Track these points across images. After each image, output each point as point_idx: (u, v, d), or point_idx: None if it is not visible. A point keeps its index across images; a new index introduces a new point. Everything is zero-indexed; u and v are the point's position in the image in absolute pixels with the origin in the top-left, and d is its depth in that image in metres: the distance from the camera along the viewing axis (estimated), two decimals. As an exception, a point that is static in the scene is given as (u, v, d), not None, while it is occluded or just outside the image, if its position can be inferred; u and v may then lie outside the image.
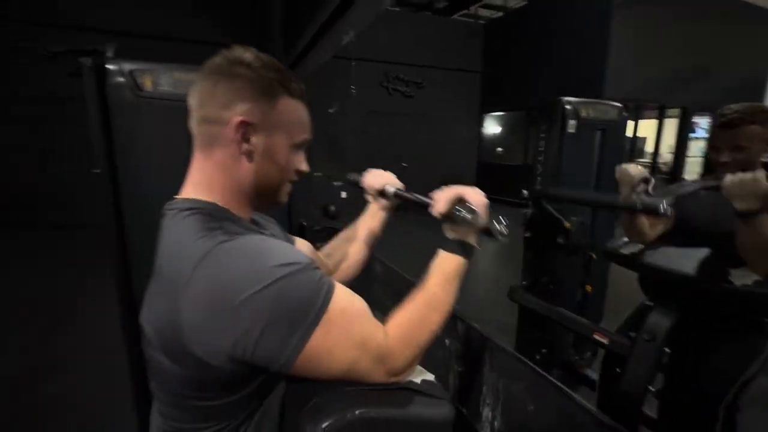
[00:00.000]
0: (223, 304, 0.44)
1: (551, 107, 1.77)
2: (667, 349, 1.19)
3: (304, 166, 0.62)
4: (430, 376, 0.68)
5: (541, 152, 1.79)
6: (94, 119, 1.05)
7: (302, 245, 0.79)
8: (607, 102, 1.87)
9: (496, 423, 1.12)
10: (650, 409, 1.37)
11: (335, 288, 0.50)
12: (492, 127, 8.70)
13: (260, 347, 0.45)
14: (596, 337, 1.38)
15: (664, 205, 1.03)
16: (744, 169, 0.91)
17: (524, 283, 1.95)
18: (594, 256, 1.89)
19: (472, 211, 0.62)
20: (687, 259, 1.16)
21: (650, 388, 1.23)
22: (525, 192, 1.89)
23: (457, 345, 1.17)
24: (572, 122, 1.73)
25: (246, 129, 0.53)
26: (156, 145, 1.12)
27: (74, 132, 5.83)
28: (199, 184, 0.57)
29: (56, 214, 5.86)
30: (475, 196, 0.65)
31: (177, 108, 1.09)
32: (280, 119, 0.56)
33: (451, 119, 8.57)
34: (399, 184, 0.84)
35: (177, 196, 0.58)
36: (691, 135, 7.04)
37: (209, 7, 6.44)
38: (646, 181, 1.18)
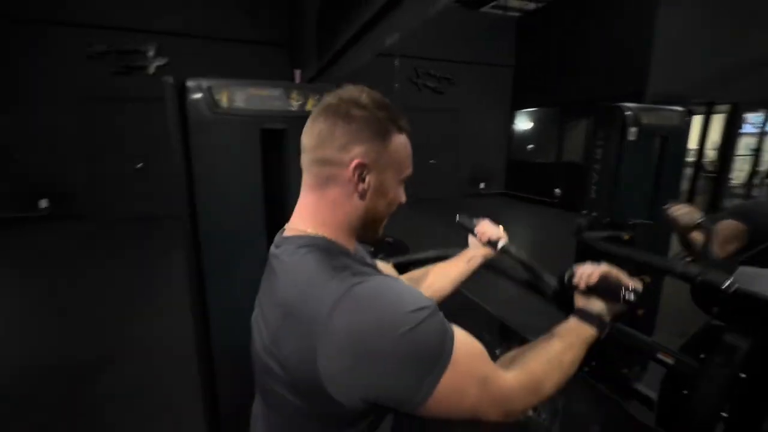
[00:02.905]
0: (363, 350, 0.46)
1: (609, 113, 1.71)
2: (743, 375, 1.14)
3: (403, 199, 0.64)
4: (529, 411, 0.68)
5: (597, 161, 1.73)
6: (174, 133, 1.09)
7: (386, 269, 0.80)
8: (669, 108, 1.79)
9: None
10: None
11: (455, 330, 0.51)
12: (524, 123, 8.47)
13: (394, 391, 0.47)
14: (660, 356, 1.33)
15: (726, 283, 0.97)
16: None
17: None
18: (647, 280, 1.82)
19: (630, 293, 0.67)
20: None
21: (723, 414, 1.18)
22: (557, 191, 1.83)
23: (498, 345, 1.17)
24: (633, 129, 1.66)
25: (362, 170, 0.56)
26: (230, 156, 1.16)
27: (124, 128, 6.16)
28: (309, 219, 0.59)
29: (107, 207, 6.18)
30: (625, 279, 0.68)
31: (249, 123, 1.14)
32: (391, 157, 0.58)
33: (481, 115, 8.42)
34: (506, 239, 0.91)
35: (288, 231, 0.60)
36: (740, 132, 6.63)
37: (246, 7, 6.56)
38: (699, 228, 1.14)
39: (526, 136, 8.39)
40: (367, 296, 0.48)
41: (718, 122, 6.46)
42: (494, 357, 0.85)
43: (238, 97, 1.08)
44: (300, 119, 1.14)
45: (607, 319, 0.69)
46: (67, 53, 5.77)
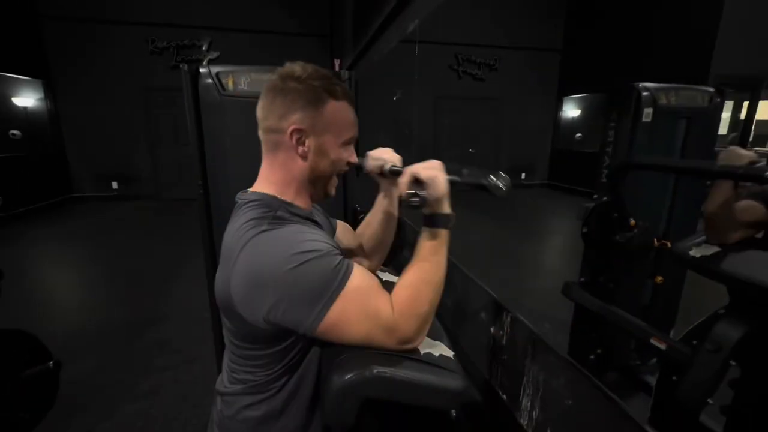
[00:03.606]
0: (258, 282, 0.57)
1: (624, 93, 1.64)
2: (732, 362, 1.10)
3: (353, 159, 0.72)
4: (449, 353, 0.75)
5: (609, 143, 1.68)
6: (189, 113, 1.26)
7: (342, 227, 0.90)
8: (693, 87, 1.67)
9: (534, 413, 1.15)
10: (716, 425, 1.27)
11: (353, 269, 0.60)
12: (571, 111, 7.99)
13: (287, 316, 0.57)
14: (654, 341, 1.30)
15: None
16: None
17: (582, 279, 1.86)
18: (669, 244, 1.71)
19: (420, 189, 0.63)
20: None
21: (709, 401, 1.15)
22: (593, 198, 1.73)
23: (502, 333, 1.21)
24: (647, 110, 1.59)
25: (300, 134, 0.64)
26: (236, 133, 1.31)
27: (181, 118, 6.77)
28: (265, 180, 0.70)
29: (165, 189, 6.87)
30: (425, 172, 0.63)
31: (252, 104, 1.28)
32: (327, 122, 0.65)
33: (525, 103, 8.07)
34: (397, 159, 0.77)
35: (250, 189, 0.71)
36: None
37: (291, 2, 6.86)
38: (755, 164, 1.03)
39: (573, 125, 7.92)
40: (267, 240, 0.59)
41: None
42: (493, 335, 0.87)
43: (242, 81, 1.22)
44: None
45: (443, 210, 0.64)
46: (133, 49, 6.42)
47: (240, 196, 0.70)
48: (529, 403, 1.18)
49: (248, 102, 1.29)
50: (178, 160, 6.82)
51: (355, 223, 1.22)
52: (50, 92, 6.19)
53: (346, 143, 0.69)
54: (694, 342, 1.22)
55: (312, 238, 0.60)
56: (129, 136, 6.68)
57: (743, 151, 1.05)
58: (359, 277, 0.60)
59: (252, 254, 0.58)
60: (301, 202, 0.71)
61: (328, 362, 0.65)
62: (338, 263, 0.59)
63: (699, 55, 5.22)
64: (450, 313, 1.48)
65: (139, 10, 6.32)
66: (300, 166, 0.67)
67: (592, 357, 1.85)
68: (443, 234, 0.64)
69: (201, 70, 1.20)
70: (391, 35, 3.22)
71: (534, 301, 3.06)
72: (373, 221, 0.88)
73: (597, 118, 7.34)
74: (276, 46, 6.84)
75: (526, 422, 1.18)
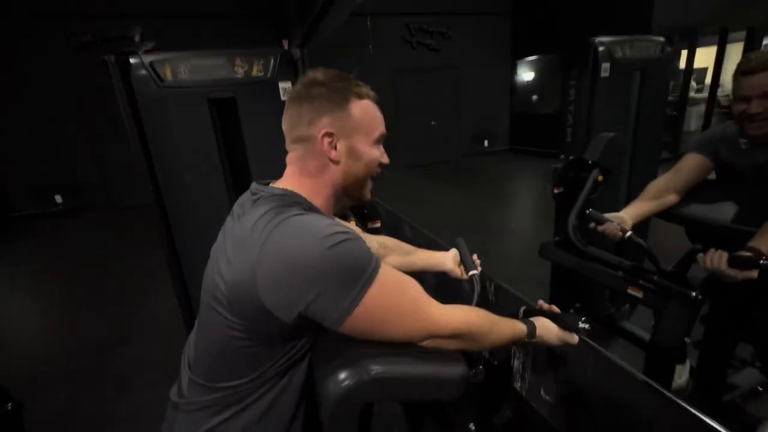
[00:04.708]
0: (293, 270, 0.52)
1: (582, 50, 1.64)
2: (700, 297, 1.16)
3: (385, 159, 0.71)
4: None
5: (571, 102, 1.68)
6: (125, 111, 1.12)
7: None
8: (646, 38, 1.69)
9: (526, 375, 1.18)
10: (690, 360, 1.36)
11: (382, 263, 0.58)
12: (525, 74, 8.11)
13: (320, 303, 0.53)
14: (631, 291, 1.35)
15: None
16: None
17: (556, 239, 1.91)
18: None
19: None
20: (727, 208, 1.09)
21: (686, 340, 1.21)
22: (560, 158, 1.79)
23: (488, 300, 1.21)
24: (605, 65, 1.59)
25: (331, 138, 0.64)
26: (184, 128, 1.19)
27: (120, 118, 6.24)
28: (294, 182, 0.66)
29: (115, 197, 6.39)
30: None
31: (196, 94, 1.15)
32: (356, 122, 0.65)
33: (481, 69, 8.08)
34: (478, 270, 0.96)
35: (272, 183, 0.67)
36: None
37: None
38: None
39: (529, 88, 8.06)
40: (298, 224, 0.55)
41: (736, 52, 6.03)
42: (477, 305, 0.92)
43: (182, 69, 1.09)
44: (246, 87, 1.15)
45: (547, 340, 0.79)
46: (57, 46, 5.77)
47: (259, 188, 0.65)
48: (520, 366, 1.21)
49: (192, 92, 1.16)
50: (125, 161, 6.33)
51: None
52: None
53: (377, 141, 0.69)
54: (655, 278, 1.27)
55: (338, 222, 0.59)
56: (67, 143, 6.09)
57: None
58: (392, 269, 0.59)
59: (287, 237, 0.54)
60: (328, 212, 0.69)
61: (318, 367, 0.60)
62: (370, 249, 0.57)
63: (641, 9, 5.38)
64: (433, 285, 1.47)
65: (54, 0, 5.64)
66: (333, 172, 0.66)
67: (571, 311, 1.93)
68: (524, 338, 0.74)
69: (131, 60, 1.06)
70: (340, 9, 3.06)
71: (507, 263, 3.15)
72: (410, 262, 0.97)
73: (550, 80, 7.49)
74: (216, 31, 6.36)
75: (519, 385, 1.20)
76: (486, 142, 8.55)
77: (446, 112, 7.99)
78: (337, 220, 0.73)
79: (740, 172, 1.16)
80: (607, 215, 1.20)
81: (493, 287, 1.17)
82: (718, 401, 1.30)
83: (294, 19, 5.10)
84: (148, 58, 1.09)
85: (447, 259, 1.03)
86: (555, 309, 0.86)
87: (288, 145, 0.67)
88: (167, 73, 1.10)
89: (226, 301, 0.58)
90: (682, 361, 1.30)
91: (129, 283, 3.49)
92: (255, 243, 0.54)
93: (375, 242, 1.00)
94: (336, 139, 0.64)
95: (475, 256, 1.03)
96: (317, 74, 0.65)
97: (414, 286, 0.60)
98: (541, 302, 0.90)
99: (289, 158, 0.67)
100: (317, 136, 0.63)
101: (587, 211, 1.14)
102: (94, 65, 5.92)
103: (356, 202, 0.73)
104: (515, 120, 8.46)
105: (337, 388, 0.51)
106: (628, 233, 1.13)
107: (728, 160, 1.17)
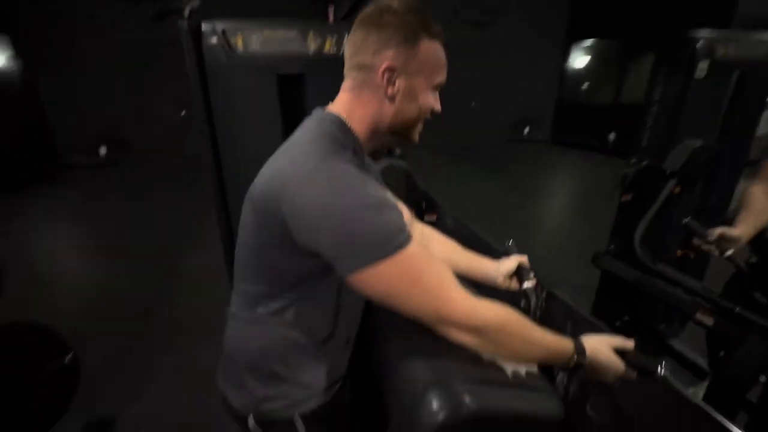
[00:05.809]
0: (322, 213, 0.52)
1: (676, 45, 1.46)
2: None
3: (437, 106, 0.67)
4: (533, 368, 0.67)
5: (655, 102, 1.53)
6: (193, 79, 1.08)
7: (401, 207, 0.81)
8: (754, 34, 1.49)
9: (571, 388, 1.13)
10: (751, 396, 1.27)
11: (414, 242, 0.55)
12: (580, 59, 7.56)
13: (330, 254, 0.54)
14: (700, 317, 1.26)
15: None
16: None
17: (611, 247, 1.80)
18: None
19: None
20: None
21: (761, 378, 1.12)
22: (611, 136, 1.64)
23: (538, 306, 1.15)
24: (703, 65, 1.42)
25: (392, 73, 0.60)
26: (247, 103, 1.15)
27: (168, 74, 6.31)
28: (344, 110, 0.64)
29: (158, 152, 6.57)
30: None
31: (265, 69, 1.10)
32: (421, 62, 0.61)
33: (529, 51, 7.61)
34: (533, 283, 0.85)
35: (327, 108, 0.66)
36: None
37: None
38: None
39: (582, 74, 7.53)
40: (342, 172, 0.54)
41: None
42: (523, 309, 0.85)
43: (253, 39, 1.02)
44: (318, 64, 1.08)
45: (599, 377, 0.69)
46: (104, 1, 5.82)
47: (318, 110, 0.66)
48: (565, 378, 1.15)
49: (262, 66, 1.10)
50: (171, 117, 6.44)
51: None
52: (20, 49, 5.67)
53: (435, 87, 0.66)
54: (737, 309, 1.17)
55: (381, 193, 0.58)
56: (113, 96, 6.25)
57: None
58: (421, 249, 0.56)
59: (318, 187, 0.53)
60: (366, 147, 0.67)
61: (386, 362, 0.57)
62: (405, 224, 0.55)
63: (725, -5, 4.84)
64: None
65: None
66: (385, 109, 0.63)
67: (617, 323, 1.84)
68: (567, 360, 0.64)
69: (204, 27, 1.01)
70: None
71: (544, 263, 3.04)
72: (455, 264, 0.86)
73: (608, 67, 6.97)
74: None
75: (561, 397, 1.15)
76: (527, 129, 8.17)
77: (489, 95, 7.64)
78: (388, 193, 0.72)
79: None
80: (711, 231, 1.08)
81: (544, 296, 1.06)
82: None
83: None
84: (220, 26, 1.03)
85: (498, 273, 0.87)
86: (629, 343, 0.71)
87: (346, 71, 0.65)
88: (239, 43, 1.05)
89: (260, 201, 0.59)
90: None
91: (175, 238, 3.60)
92: (293, 172, 0.54)
93: (418, 231, 0.91)
94: (397, 74, 0.61)
95: (527, 262, 0.87)
96: (392, 1, 0.61)
97: (443, 268, 0.57)
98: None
99: (345, 86, 0.65)
100: (378, 68, 0.60)
101: (685, 222, 1.03)
102: (143, 19, 5.95)
103: (403, 145, 0.70)
104: (561, 109, 7.98)
105: (432, 420, 0.47)
106: (729, 252, 1.02)
107: None
